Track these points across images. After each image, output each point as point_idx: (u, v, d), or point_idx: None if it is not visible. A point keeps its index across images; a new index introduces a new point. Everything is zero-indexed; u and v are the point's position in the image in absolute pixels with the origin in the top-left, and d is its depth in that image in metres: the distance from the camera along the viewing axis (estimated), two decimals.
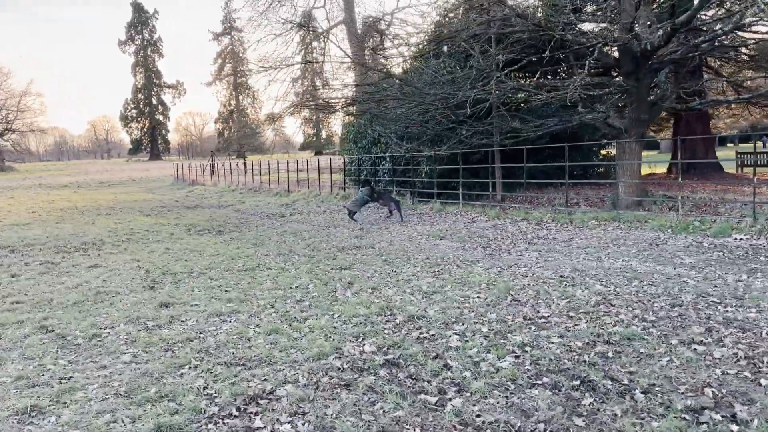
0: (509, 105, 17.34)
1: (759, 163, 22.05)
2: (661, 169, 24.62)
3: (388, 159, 20.55)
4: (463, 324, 5.61)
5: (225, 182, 34.90)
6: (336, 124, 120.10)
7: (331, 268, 8.71)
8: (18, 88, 77.58)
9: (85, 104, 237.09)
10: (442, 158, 18.45)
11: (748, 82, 20.02)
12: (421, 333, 5.41)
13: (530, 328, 5.38)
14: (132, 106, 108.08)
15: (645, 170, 22.48)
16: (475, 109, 16.33)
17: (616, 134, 14.27)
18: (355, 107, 19.97)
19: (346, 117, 26.24)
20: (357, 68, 36.55)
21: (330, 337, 5.42)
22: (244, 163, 46.28)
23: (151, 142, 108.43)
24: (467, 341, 5.11)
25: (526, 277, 7.44)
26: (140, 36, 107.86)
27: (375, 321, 5.85)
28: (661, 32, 11.56)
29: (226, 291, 7.51)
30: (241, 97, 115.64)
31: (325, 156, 65.39)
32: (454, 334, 5.33)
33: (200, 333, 5.75)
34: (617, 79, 11.36)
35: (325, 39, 36.94)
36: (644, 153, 31.92)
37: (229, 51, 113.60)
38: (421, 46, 21.77)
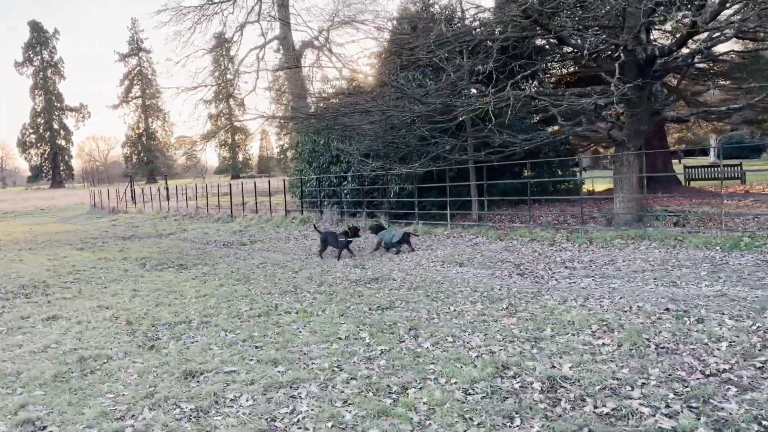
0: (489, 118, 16.42)
1: (708, 177, 22.46)
2: (602, 186, 23.97)
3: (350, 179, 19.05)
4: (631, 387, 4.25)
5: (151, 209, 31.86)
6: (253, 147, 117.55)
7: (368, 309, 7.13)
8: None
9: None
10: (414, 176, 17.23)
11: (703, 96, 20.34)
12: (596, 407, 3.98)
13: (729, 388, 4.11)
14: (31, 131, 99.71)
15: (588, 186, 22.24)
16: (449, 124, 15.33)
17: (601, 147, 13.63)
18: (314, 121, 18.28)
19: (282, 138, 24.62)
20: (294, 84, 34.99)
21: (471, 420, 3.88)
22: (167, 188, 43.11)
23: (53, 169, 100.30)
24: (671, 417, 3.74)
25: (627, 311, 6.21)
26: (39, 57, 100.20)
27: (506, 388, 4.37)
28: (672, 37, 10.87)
29: (257, 347, 5.75)
30: (150, 120, 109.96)
31: (257, 179, 62.73)
32: (638, 404, 3.96)
33: (272, 420, 4.04)
34: (616, 88, 10.60)
35: (262, 56, 34.92)
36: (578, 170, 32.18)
37: (137, 72, 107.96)
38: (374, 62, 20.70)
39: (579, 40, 12.61)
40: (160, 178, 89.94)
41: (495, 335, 5.69)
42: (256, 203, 24.99)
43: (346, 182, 19.55)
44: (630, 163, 13.20)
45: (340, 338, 5.91)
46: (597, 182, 24.23)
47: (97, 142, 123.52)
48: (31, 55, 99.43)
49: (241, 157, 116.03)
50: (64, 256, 14.15)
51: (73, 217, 32.44)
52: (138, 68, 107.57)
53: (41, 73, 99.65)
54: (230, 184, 36.09)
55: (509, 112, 11.98)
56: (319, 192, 21.04)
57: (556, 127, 20.15)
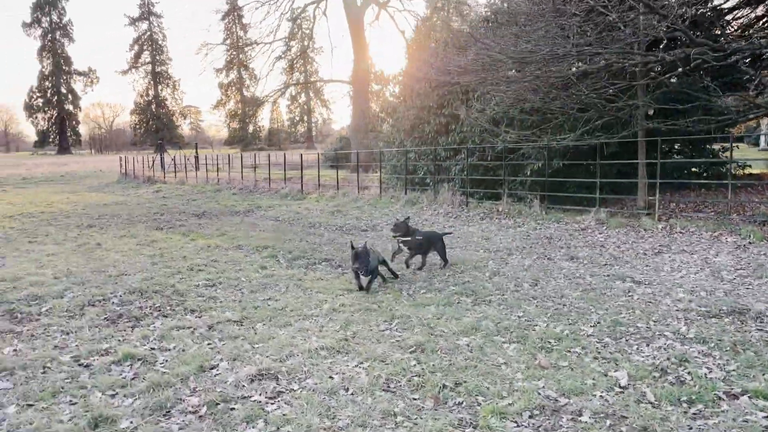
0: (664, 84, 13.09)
1: None
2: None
3: (466, 152, 15.72)
4: None
5: (191, 179, 28.51)
6: (264, 119, 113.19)
7: None
8: None
9: None
10: (562, 151, 13.98)
11: None
12: None
13: None
14: (38, 94, 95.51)
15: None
16: (621, 85, 12.08)
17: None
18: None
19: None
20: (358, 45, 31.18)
21: None
22: (196, 157, 39.80)
23: (60, 134, 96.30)
24: None
25: None
26: (47, 18, 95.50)
27: None
28: None
29: None
30: (160, 87, 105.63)
31: (268, 151, 58.83)
32: None
33: None
34: None
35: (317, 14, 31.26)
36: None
37: (147, 37, 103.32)
38: None
39: None
40: (170, 148, 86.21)
41: None
42: (319, 179, 21.66)
43: (459, 156, 16.25)
44: None
45: None
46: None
47: (103, 109, 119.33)
48: (40, 16, 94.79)
49: (251, 129, 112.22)
50: (153, 240, 10.89)
51: (105, 186, 29.10)
52: (148, 33, 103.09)
53: (49, 35, 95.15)
54: (269, 155, 32.90)
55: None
56: (415, 168, 17.76)
57: None
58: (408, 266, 8.19)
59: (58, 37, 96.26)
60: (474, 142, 15.55)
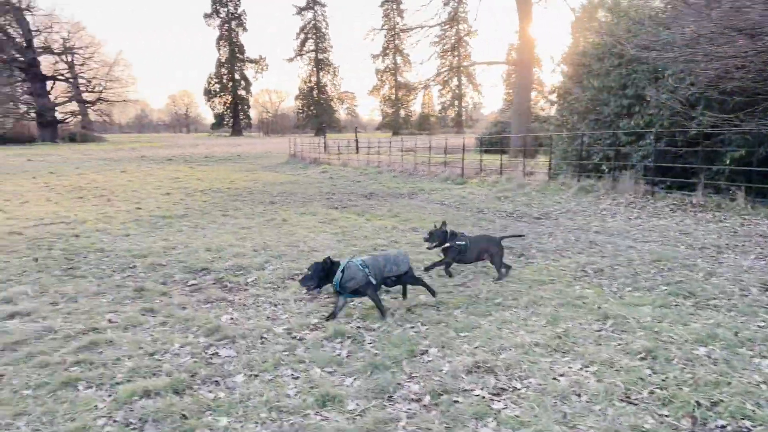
0: None
1: None
2: None
3: (652, 137, 14.24)
4: None
5: (353, 161, 29.43)
6: (416, 104, 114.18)
7: None
8: (108, 58, 74.52)
9: (167, 77, 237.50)
10: (765, 137, 12.10)
11: None
12: None
13: None
14: (215, 80, 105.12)
15: None
16: None
17: None
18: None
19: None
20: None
21: None
22: (357, 141, 41.19)
23: (234, 118, 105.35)
24: None
25: None
26: (225, 9, 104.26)
27: None
28: None
29: None
30: (321, 74, 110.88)
31: (417, 136, 59.20)
32: None
33: None
34: None
35: None
36: None
37: (312, 26, 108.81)
38: None
39: None
40: (329, 131, 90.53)
41: None
42: (481, 164, 21.11)
43: (644, 142, 14.80)
44: None
45: None
46: None
47: (270, 95, 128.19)
48: (218, 7, 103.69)
49: (402, 114, 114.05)
50: (333, 219, 11.26)
51: (276, 166, 31.12)
52: (313, 22, 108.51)
53: (226, 25, 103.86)
54: (423, 140, 32.99)
55: None
56: (589, 153, 16.54)
57: None
58: (450, 275, 6.81)
59: (233, 26, 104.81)
60: (663, 126, 14.07)
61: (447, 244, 6.68)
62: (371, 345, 4.57)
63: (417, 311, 5.43)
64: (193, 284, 6.45)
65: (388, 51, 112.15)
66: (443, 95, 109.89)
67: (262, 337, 4.77)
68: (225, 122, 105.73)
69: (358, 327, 5.00)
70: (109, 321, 5.16)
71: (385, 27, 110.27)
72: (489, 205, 13.72)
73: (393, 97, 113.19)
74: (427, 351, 4.42)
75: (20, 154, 38.97)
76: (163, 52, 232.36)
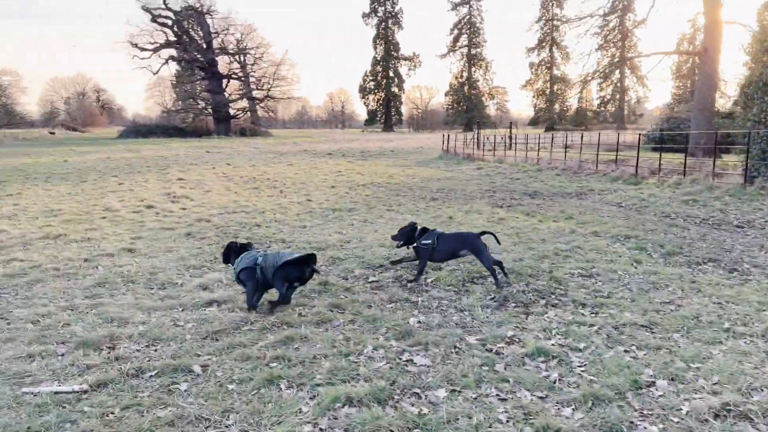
0: None
1: None
2: None
3: None
4: None
5: (508, 158, 28.38)
6: (573, 98, 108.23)
7: None
8: (276, 57, 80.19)
9: (325, 75, 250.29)
10: None
11: None
12: None
13: None
14: (370, 78, 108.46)
15: None
16: None
17: None
18: None
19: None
20: None
21: None
22: (510, 137, 39.87)
23: (386, 114, 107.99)
24: None
25: None
26: (383, 8, 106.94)
27: None
28: None
29: None
30: (473, 69, 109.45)
31: (571, 132, 55.53)
32: None
33: None
34: None
35: None
36: None
37: (466, 21, 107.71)
38: None
39: None
40: (476, 128, 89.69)
41: None
42: (660, 163, 19.07)
43: None
44: None
45: None
46: None
47: (420, 91, 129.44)
48: (376, 7, 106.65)
49: (557, 108, 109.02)
50: (500, 218, 10.71)
51: (430, 161, 31.05)
52: (468, 17, 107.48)
53: (383, 24, 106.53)
54: (582, 135, 30.90)
55: None
56: None
57: None
58: (417, 280, 6.26)
59: (389, 24, 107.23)
60: None
61: (415, 244, 6.32)
62: (582, 369, 4.01)
63: (626, 331, 4.75)
64: (373, 281, 6.31)
65: (544, 44, 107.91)
66: (603, 89, 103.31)
67: (455, 347, 4.42)
68: (378, 118, 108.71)
69: (561, 345, 4.46)
70: (299, 315, 5.14)
71: (543, 18, 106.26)
72: (676, 210, 12.26)
73: (548, 91, 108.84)
74: (653, 383, 3.77)
75: (199, 147, 43.06)
76: (321, 51, 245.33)
